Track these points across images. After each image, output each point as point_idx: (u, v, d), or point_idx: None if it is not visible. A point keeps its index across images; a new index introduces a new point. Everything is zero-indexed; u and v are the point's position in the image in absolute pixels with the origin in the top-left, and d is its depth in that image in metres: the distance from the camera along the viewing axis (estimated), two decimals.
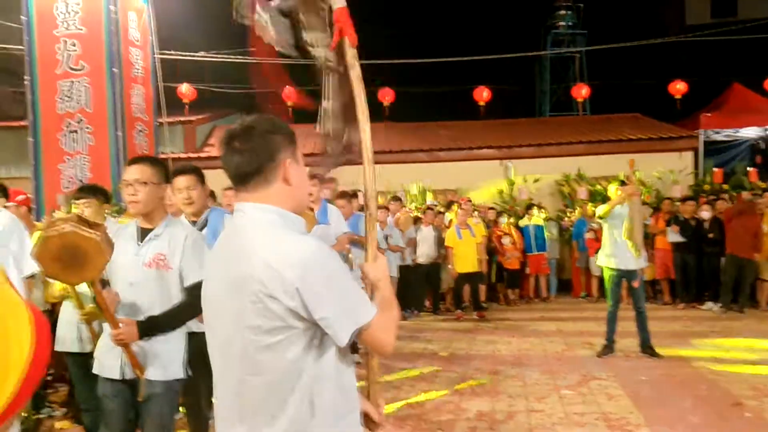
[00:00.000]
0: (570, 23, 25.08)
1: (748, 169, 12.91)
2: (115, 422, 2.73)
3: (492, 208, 11.58)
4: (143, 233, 2.76)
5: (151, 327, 2.63)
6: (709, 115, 13.63)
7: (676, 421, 4.43)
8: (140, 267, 2.68)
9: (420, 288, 9.95)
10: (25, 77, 8.44)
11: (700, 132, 13.49)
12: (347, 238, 5.91)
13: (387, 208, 9.35)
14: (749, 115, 13.70)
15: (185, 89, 12.84)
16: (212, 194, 5.76)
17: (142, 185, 2.67)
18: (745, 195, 9.51)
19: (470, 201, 10.74)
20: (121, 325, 2.57)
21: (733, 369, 5.79)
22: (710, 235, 9.43)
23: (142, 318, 2.62)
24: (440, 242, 9.77)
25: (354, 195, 8.08)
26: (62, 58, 8.48)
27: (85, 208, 3.68)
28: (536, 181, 13.01)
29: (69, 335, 3.72)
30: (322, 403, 1.46)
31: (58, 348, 3.64)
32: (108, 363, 2.70)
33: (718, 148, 14.87)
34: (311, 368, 1.45)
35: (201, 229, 3.59)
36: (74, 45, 8.49)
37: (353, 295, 1.47)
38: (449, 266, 9.56)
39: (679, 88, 12.97)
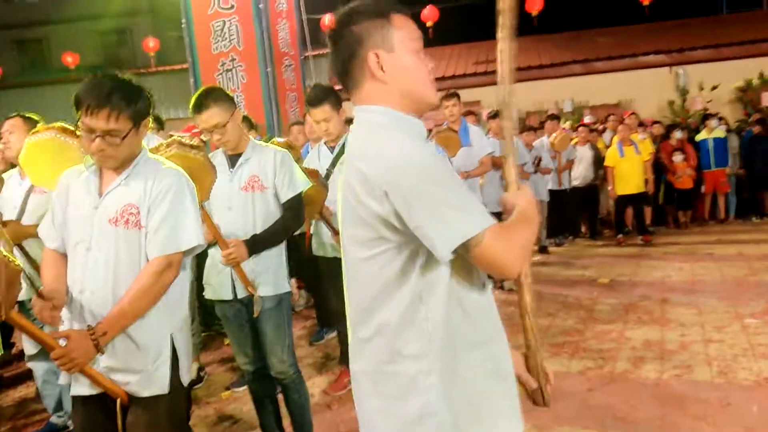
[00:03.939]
0: None
1: None
2: (241, 340, 2.88)
3: (658, 122, 10.41)
4: (232, 160, 2.84)
5: (258, 244, 2.71)
6: None
7: None
8: (237, 191, 2.78)
9: (575, 212, 9.33)
10: (182, 21, 8.91)
11: None
12: (491, 160, 5.62)
13: (534, 129, 8.75)
14: None
15: (328, 20, 12.87)
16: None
17: (222, 128, 2.71)
18: None
19: (634, 115, 9.72)
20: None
21: None
22: None
23: (246, 238, 2.70)
24: (598, 162, 9.01)
25: (495, 115, 7.66)
26: None
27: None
28: (714, 88, 11.42)
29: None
30: (428, 327, 1.28)
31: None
32: (220, 285, 2.82)
33: None
34: (414, 287, 1.27)
35: (339, 156, 3.53)
36: None
37: (459, 203, 1.21)
38: (609, 188, 8.82)
39: None
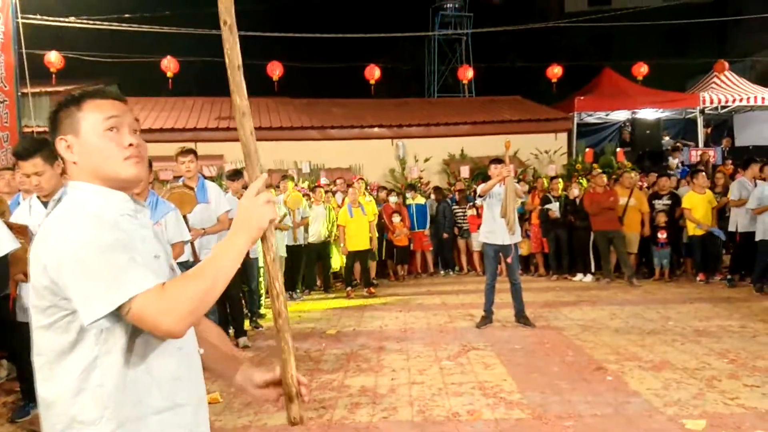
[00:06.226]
0: (457, 5, 25.67)
1: (616, 150, 13.99)
2: None
3: (383, 187, 11.75)
4: None
5: None
6: (582, 98, 14.56)
7: (545, 386, 4.69)
8: None
9: (311, 267, 9.92)
10: None
11: (574, 114, 14.39)
12: (227, 219, 5.73)
13: (274, 187, 9.19)
14: (619, 99, 14.78)
15: (53, 57, 11.77)
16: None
17: None
18: (597, 176, 10.25)
19: (362, 179, 10.83)
20: None
21: (598, 336, 6.22)
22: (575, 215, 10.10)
23: None
24: (331, 220, 9.79)
25: (239, 172, 7.86)
26: None
27: None
28: (426, 160, 13.31)
29: None
30: (103, 392, 1.33)
31: None
32: None
33: (590, 129, 16.00)
34: (90, 353, 1.33)
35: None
36: None
37: (107, 274, 1.27)
38: (341, 244, 9.61)
39: (555, 72, 13.69)
